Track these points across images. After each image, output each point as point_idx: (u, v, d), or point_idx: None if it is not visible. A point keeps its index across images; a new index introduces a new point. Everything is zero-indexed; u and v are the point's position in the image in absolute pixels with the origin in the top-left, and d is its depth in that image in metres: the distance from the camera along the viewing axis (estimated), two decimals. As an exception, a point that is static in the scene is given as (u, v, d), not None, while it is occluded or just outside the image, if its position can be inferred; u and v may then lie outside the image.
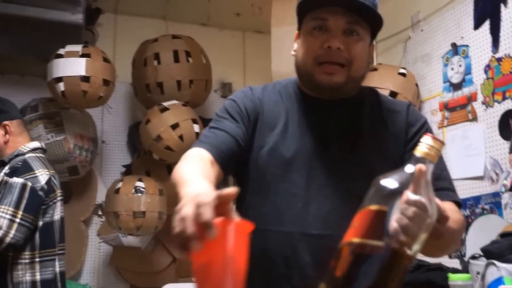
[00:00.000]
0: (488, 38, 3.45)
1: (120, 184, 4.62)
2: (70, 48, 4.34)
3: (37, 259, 3.06)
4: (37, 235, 3.05)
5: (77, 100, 4.33)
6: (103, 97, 4.41)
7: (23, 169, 3.06)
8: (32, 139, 3.84)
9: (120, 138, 5.51)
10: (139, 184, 4.60)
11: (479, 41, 3.54)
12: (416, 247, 1.30)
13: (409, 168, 1.31)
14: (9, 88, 5.11)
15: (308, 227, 1.80)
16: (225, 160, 1.84)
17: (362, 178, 1.78)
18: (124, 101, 5.53)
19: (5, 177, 3.04)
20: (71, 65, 4.26)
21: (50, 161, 3.46)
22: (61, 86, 4.22)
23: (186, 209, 1.20)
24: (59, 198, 3.22)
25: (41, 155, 3.27)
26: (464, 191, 3.55)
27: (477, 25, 3.53)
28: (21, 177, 3.02)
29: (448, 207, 1.68)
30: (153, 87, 4.85)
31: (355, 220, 1.38)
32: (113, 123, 5.48)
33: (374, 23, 1.87)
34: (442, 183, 1.91)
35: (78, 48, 4.35)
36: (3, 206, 2.92)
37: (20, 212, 2.93)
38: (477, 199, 3.46)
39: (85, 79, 4.25)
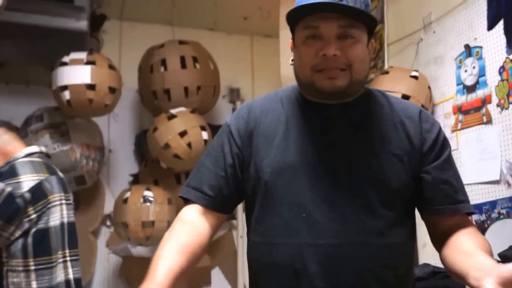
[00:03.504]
0: (502, 39, 3.44)
1: (128, 194, 4.64)
2: (74, 55, 4.35)
3: (32, 268, 3.00)
4: (29, 242, 3.01)
5: (83, 109, 4.35)
6: (109, 105, 4.43)
7: (8, 174, 3.02)
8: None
9: (127, 146, 5.53)
10: (148, 193, 4.63)
11: (493, 42, 3.54)
12: None
13: None
14: (14, 98, 5.17)
15: (314, 237, 1.82)
16: (223, 204, 2.02)
17: (369, 185, 1.84)
18: (130, 109, 5.56)
19: None
20: (76, 73, 4.28)
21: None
22: (67, 94, 4.24)
23: None
24: (57, 203, 3.11)
25: (36, 159, 3.18)
26: (479, 195, 3.55)
27: (490, 26, 3.51)
28: (3, 182, 2.97)
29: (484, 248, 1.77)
30: (160, 94, 4.87)
31: None
32: (119, 131, 5.50)
33: (368, 21, 1.88)
34: (459, 195, 1.96)
35: (82, 55, 4.37)
36: None
37: None
38: (493, 204, 3.45)
39: (91, 87, 4.26)
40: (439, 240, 1.95)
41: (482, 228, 3.47)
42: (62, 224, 3.13)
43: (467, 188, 2.02)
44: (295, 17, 1.89)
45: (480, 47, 3.64)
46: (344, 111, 1.94)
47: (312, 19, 1.83)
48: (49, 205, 3.05)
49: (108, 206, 5.21)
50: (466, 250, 1.77)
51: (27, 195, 2.97)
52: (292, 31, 1.96)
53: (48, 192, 3.07)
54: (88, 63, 4.32)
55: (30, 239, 2.98)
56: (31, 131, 4.56)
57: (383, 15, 4.71)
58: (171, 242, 1.90)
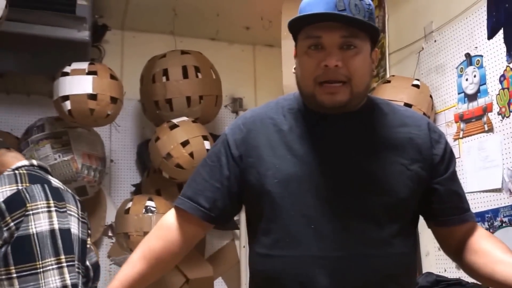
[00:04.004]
0: (503, 48, 3.49)
1: (130, 204, 4.64)
2: (76, 65, 4.36)
3: (14, 275, 3.05)
4: (9, 250, 3.08)
5: (84, 119, 4.36)
6: (111, 115, 4.44)
7: None
8: (40, 160, 3.87)
9: (129, 156, 5.55)
10: (150, 203, 4.62)
11: (493, 50, 3.58)
12: None
13: None
14: (15, 108, 5.19)
15: (323, 249, 1.83)
16: (217, 216, 2.01)
17: (376, 195, 1.85)
18: (132, 119, 5.59)
19: None
20: (78, 83, 4.28)
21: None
22: (68, 104, 4.25)
23: None
24: (43, 210, 3.15)
25: (21, 171, 3.30)
26: (482, 204, 3.58)
27: (490, 35, 3.58)
28: None
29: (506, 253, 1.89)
30: (162, 104, 4.89)
31: None
32: (121, 141, 5.52)
33: (371, 31, 1.89)
34: (465, 204, 2.02)
35: (84, 65, 4.38)
36: None
37: None
38: (495, 212, 3.48)
39: (92, 97, 4.27)
40: (455, 249, 2.02)
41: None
42: (52, 230, 3.17)
43: (469, 197, 2.09)
44: (297, 27, 1.90)
45: (481, 56, 3.68)
46: (349, 121, 1.95)
47: (314, 29, 1.84)
48: (27, 213, 3.11)
49: (110, 217, 5.22)
50: (502, 258, 1.86)
51: (3, 206, 3.07)
52: (295, 38, 1.97)
53: (26, 200, 3.15)
54: (89, 73, 4.33)
55: (10, 247, 3.06)
56: (32, 141, 4.55)
57: (384, 24, 4.76)
58: (139, 248, 2.01)
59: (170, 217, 2.05)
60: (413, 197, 1.92)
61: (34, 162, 3.39)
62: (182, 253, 2.06)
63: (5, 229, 3.07)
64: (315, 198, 1.86)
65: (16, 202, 3.10)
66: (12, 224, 3.06)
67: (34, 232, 3.11)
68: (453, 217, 1.99)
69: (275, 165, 1.90)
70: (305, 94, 1.95)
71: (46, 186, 3.25)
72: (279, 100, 2.10)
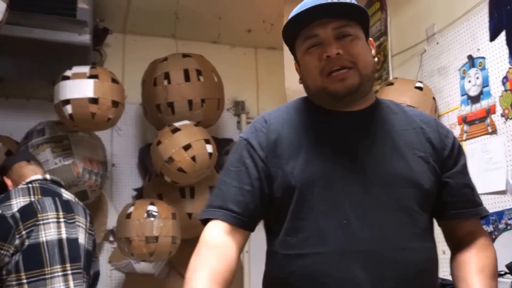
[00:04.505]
0: (505, 50, 3.53)
1: (131, 209, 4.64)
2: (77, 69, 4.39)
3: (24, 281, 3.24)
4: (20, 258, 3.23)
5: (86, 123, 4.40)
6: (112, 119, 4.47)
7: (2, 199, 3.35)
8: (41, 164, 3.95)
9: (131, 160, 5.58)
10: (151, 208, 4.62)
11: (495, 52, 3.62)
12: None
13: None
14: (15, 112, 5.24)
15: (355, 243, 1.82)
16: (250, 220, 1.95)
17: (403, 187, 1.88)
18: (134, 123, 5.63)
19: None
20: (79, 87, 4.31)
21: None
22: (69, 108, 4.28)
23: None
24: (52, 220, 3.40)
25: (34, 185, 3.50)
26: (486, 206, 3.39)
27: (493, 37, 3.62)
28: None
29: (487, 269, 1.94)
30: (163, 107, 4.92)
31: None
32: (123, 145, 5.57)
33: (361, 19, 1.96)
34: (477, 198, 2.07)
35: (85, 69, 4.41)
36: None
37: None
38: (500, 214, 3.51)
39: (93, 100, 4.30)
40: (455, 246, 2.05)
41: (490, 239, 3.50)
42: (60, 239, 3.37)
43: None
44: (292, 32, 1.97)
45: (483, 58, 3.72)
46: (362, 118, 1.99)
47: (308, 30, 1.92)
48: (38, 222, 3.33)
49: (111, 221, 5.24)
50: (467, 276, 1.91)
51: (17, 215, 3.31)
52: (292, 50, 2.04)
53: (38, 211, 3.38)
54: (90, 77, 4.36)
55: (21, 255, 3.22)
56: (32, 145, 4.60)
57: (387, 27, 4.80)
58: (202, 272, 1.82)
59: (215, 232, 1.93)
60: (434, 189, 1.96)
61: (48, 176, 3.64)
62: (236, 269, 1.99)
63: (17, 236, 3.28)
64: (344, 193, 1.87)
65: (29, 212, 3.34)
66: (24, 232, 3.27)
67: (44, 240, 3.31)
68: (463, 210, 2.01)
69: (299, 163, 1.91)
70: (315, 91, 1.97)
71: (56, 198, 3.48)
72: (288, 105, 2.13)
